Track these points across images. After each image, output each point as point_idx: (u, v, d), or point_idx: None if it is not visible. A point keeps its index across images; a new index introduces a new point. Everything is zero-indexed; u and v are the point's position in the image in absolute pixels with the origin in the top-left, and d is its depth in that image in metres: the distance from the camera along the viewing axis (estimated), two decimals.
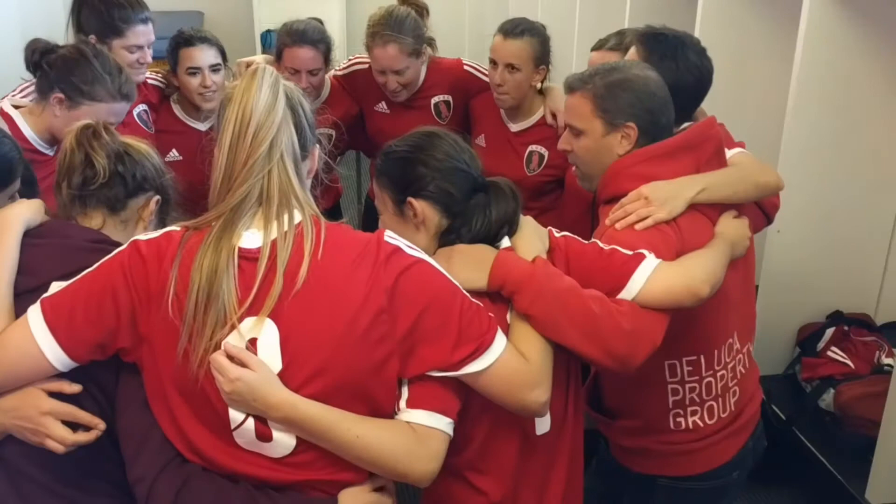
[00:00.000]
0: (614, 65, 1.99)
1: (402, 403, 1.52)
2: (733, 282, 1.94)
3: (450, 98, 3.19)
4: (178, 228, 1.51)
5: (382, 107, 3.25)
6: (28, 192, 1.86)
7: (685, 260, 1.78)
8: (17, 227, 1.62)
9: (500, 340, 1.56)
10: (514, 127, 3.05)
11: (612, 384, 2.09)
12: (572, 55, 4.17)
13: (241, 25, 7.05)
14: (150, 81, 3.08)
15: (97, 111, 2.29)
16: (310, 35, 3.06)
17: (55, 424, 1.51)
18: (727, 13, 3.28)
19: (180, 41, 3.05)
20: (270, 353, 1.44)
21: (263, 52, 6.31)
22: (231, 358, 1.42)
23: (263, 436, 1.47)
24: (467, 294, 1.56)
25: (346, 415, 1.47)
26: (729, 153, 2.06)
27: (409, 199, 1.72)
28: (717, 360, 2.00)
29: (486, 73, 3.10)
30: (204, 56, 3.04)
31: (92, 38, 2.68)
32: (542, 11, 4.78)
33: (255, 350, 1.44)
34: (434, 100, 3.18)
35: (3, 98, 2.56)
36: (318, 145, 1.62)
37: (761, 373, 2.27)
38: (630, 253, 1.72)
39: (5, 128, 2.29)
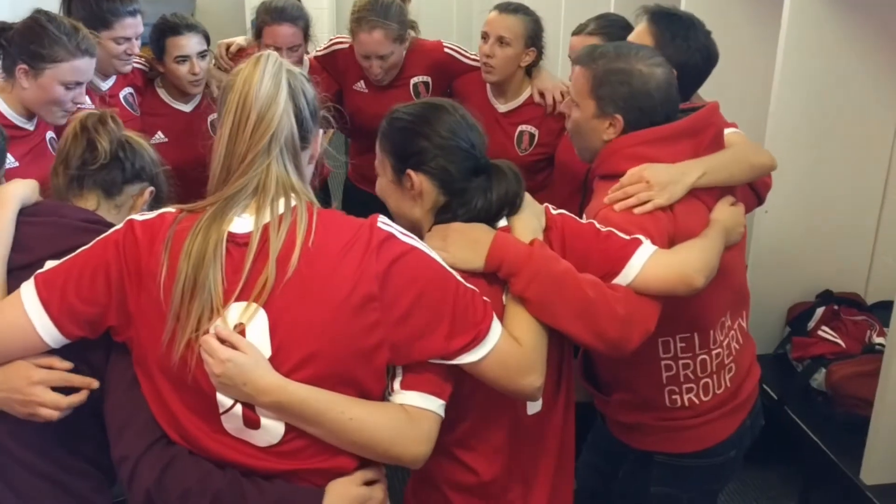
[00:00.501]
0: (626, 50, 1.96)
1: (396, 385, 1.51)
2: (726, 264, 1.93)
3: (429, 79, 3.21)
4: (173, 210, 1.51)
5: (361, 86, 3.27)
6: None
7: (682, 249, 1.78)
8: (13, 204, 1.64)
9: (495, 329, 1.56)
10: (502, 107, 3.05)
11: (605, 359, 2.08)
12: (559, 41, 4.15)
13: (232, 11, 7.07)
14: (134, 65, 3.06)
15: (61, 72, 2.35)
16: (289, 12, 3.08)
17: (46, 392, 1.52)
18: None
19: (166, 29, 3.03)
20: (259, 340, 1.43)
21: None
22: (221, 342, 1.41)
23: (251, 422, 1.45)
24: (462, 280, 1.55)
25: (339, 397, 1.45)
26: (726, 132, 2.05)
27: (409, 170, 1.70)
28: (713, 339, 2.00)
29: (468, 55, 3.16)
30: (191, 43, 3.03)
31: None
32: None
33: (244, 335, 1.42)
34: (413, 80, 3.20)
35: None
36: (321, 131, 1.61)
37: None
38: (627, 238, 1.72)
39: None
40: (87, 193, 1.78)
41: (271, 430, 1.46)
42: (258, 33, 3.13)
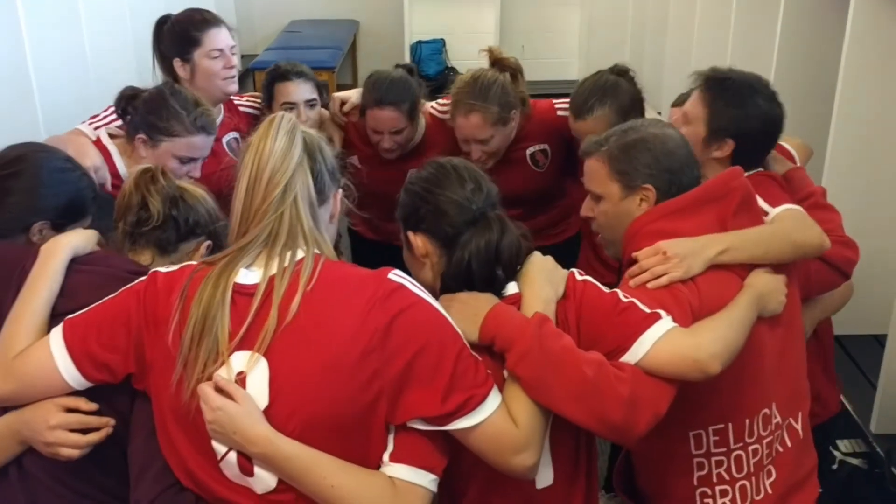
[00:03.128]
0: (630, 125, 1.92)
1: (386, 456, 1.49)
2: (770, 346, 1.81)
3: (546, 146, 3.00)
4: (196, 263, 1.59)
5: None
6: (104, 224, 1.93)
7: (701, 328, 1.65)
8: (64, 253, 1.72)
9: (493, 398, 1.52)
10: None
11: (640, 463, 1.96)
12: None
13: (393, 35, 7.15)
14: (241, 109, 3.05)
15: (176, 147, 2.42)
16: (391, 96, 2.87)
17: (65, 434, 1.60)
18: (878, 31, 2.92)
19: (275, 76, 2.97)
20: (258, 389, 1.46)
21: (412, 62, 6.24)
22: (220, 390, 1.44)
23: (245, 469, 1.49)
24: (467, 345, 1.53)
25: (325, 460, 1.45)
26: (777, 209, 1.93)
27: (408, 232, 1.72)
28: (749, 431, 1.83)
29: None
30: (299, 91, 2.93)
31: (176, 62, 2.77)
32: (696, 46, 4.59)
33: (244, 384, 1.46)
34: (529, 150, 3.00)
35: (94, 124, 2.63)
36: (340, 190, 1.64)
37: (887, 431, 2.13)
38: (647, 311, 1.62)
39: (95, 159, 2.40)
40: (140, 250, 1.84)
41: (265, 479, 1.48)
42: (363, 113, 2.95)
